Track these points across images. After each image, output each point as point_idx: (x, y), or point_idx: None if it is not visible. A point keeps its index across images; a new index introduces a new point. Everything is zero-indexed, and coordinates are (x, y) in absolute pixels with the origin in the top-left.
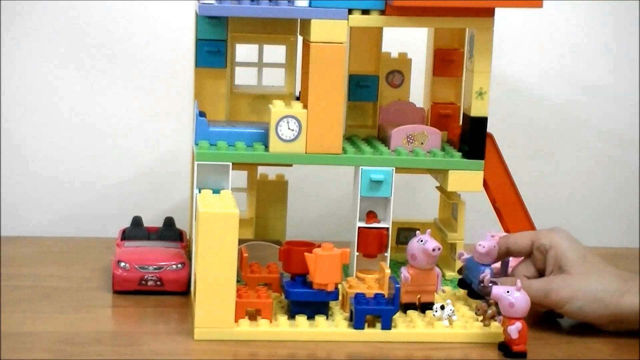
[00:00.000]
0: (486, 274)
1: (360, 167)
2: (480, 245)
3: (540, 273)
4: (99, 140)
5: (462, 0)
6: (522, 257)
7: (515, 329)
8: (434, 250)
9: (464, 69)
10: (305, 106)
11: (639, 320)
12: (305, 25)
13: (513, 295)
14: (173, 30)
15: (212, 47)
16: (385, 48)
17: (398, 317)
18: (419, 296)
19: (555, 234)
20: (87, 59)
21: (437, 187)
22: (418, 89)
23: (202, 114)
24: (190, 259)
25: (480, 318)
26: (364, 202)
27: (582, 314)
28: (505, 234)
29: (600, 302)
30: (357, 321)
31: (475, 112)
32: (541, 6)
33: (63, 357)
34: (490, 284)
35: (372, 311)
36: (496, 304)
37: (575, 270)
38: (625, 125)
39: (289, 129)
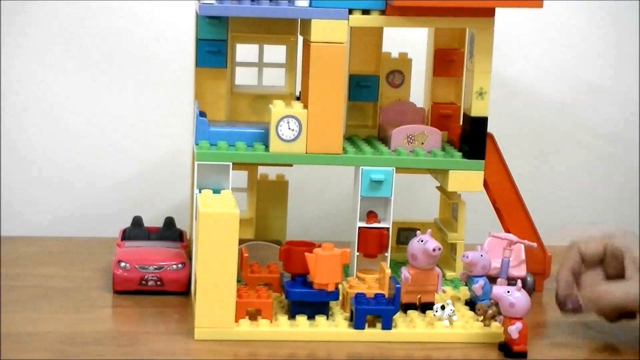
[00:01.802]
0: (479, 285)
1: (361, 167)
2: (464, 255)
3: (610, 279)
4: (99, 140)
5: (462, 0)
6: (520, 263)
7: (515, 329)
8: (434, 250)
9: (464, 69)
10: (305, 106)
11: None
12: (306, 25)
13: (513, 295)
14: (173, 30)
15: (212, 47)
16: (385, 48)
17: (398, 317)
18: (419, 296)
19: (629, 237)
20: (87, 58)
21: (437, 187)
22: (418, 89)
23: (202, 114)
24: (190, 259)
25: (481, 318)
26: (364, 202)
27: None
28: (506, 234)
29: None
30: (357, 321)
31: (475, 112)
32: (541, 6)
33: (63, 357)
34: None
35: (373, 311)
36: (496, 304)
37: None
38: (625, 125)
39: (289, 129)
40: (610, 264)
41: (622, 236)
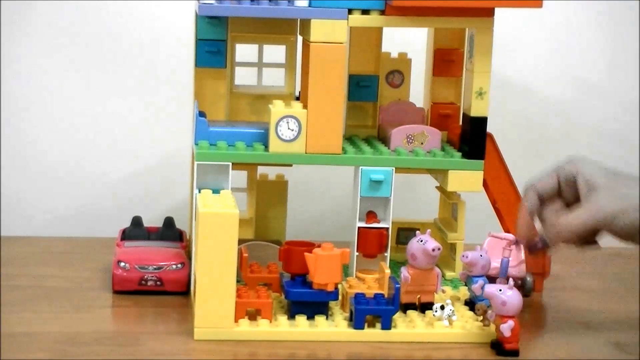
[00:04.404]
0: (478, 285)
1: (360, 167)
2: (463, 255)
3: (570, 207)
4: (99, 140)
5: (462, 0)
6: (518, 245)
7: (507, 327)
8: (433, 250)
9: (464, 69)
10: (305, 106)
11: None
12: (305, 25)
13: (505, 294)
14: (173, 30)
15: (212, 47)
16: (385, 48)
17: (398, 317)
18: (418, 296)
19: (577, 161)
20: (87, 58)
21: (437, 187)
22: (418, 89)
23: (202, 114)
24: (190, 259)
25: (480, 318)
26: (364, 202)
27: (633, 227)
28: (505, 234)
29: None
30: (357, 321)
31: (475, 112)
32: (541, 6)
33: (63, 357)
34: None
35: (372, 311)
36: None
37: (612, 183)
38: (625, 125)
39: (288, 129)
40: (567, 193)
41: (571, 162)
